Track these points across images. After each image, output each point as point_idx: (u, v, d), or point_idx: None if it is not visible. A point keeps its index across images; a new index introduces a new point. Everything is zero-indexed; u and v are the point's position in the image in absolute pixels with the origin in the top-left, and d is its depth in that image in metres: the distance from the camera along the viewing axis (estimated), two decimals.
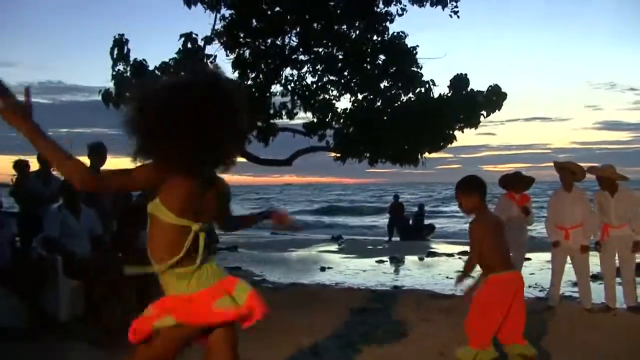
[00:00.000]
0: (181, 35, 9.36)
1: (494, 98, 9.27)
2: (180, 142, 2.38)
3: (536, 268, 10.84)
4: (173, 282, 2.62)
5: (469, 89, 9.43)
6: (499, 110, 9.35)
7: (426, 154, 9.82)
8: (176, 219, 2.52)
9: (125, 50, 9.21)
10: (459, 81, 9.43)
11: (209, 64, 2.56)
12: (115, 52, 9.19)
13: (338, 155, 10.30)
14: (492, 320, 4.03)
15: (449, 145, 9.97)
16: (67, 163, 2.35)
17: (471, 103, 9.24)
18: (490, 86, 9.36)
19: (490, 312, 4.04)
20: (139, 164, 2.48)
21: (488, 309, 4.04)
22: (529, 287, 8.95)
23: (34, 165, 8.46)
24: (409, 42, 10.36)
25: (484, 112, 9.36)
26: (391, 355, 5.15)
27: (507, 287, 4.07)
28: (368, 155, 9.61)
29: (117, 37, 9.22)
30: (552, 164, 7.37)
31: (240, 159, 9.81)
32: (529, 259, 11.21)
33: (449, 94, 9.55)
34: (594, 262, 7.49)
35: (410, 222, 21.44)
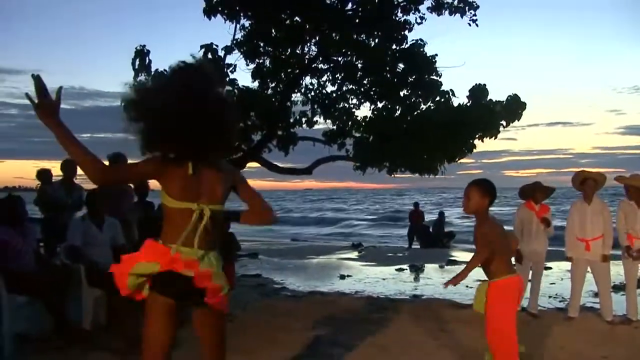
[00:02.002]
0: (201, 47, 9.45)
1: (513, 108, 9.22)
2: (180, 137, 2.70)
3: (557, 278, 10.75)
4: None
5: (487, 99, 9.39)
6: (518, 120, 9.29)
7: (445, 164, 9.79)
8: (176, 202, 2.81)
9: (147, 61, 9.31)
10: (478, 91, 9.39)
11: (194, 64, 2.69)
12: (137, 63, 9.29)
13: (357, 164, 10.32)
14: (511, 326, 4.06)
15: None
16: (84, 157, 2.67)
17: (490, 113, 9.20)
18: (510, 96, 9.30)
19: (504, 318, 4.07)
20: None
21: (502, 315, 4.07)
22: (549, 297, 8.90)
23: (56, 170, 8.57)
24: (428, 50, 10.37)
25: (504, 122, 9.31)
26: None
27: (513, 291, 4.12)
28: (387, 164, 9.61)
29: (138, 48, 9.32)
30: (574, 170, 7.33)
31: (260, 167, 9.88)
32: (549, 268, 11.16)
33: (468, 104, 9.52)
34: (619, 272, 7.41)
35: (431, 229, 21.35)
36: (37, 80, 2.64)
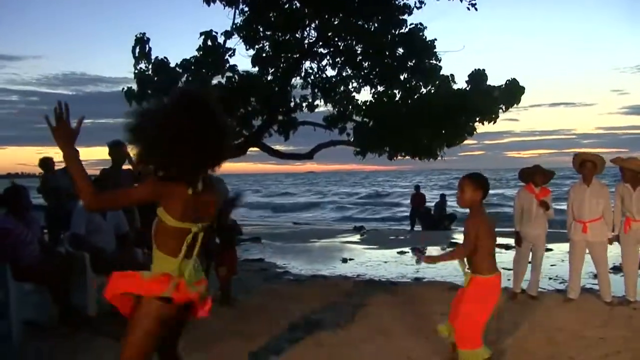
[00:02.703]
0: (201, 34, 9.49)
1: (512, 92, 9.25)
2: (177, 155, 2.74)
3: (557, 260, 10.80)
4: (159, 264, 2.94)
5: (486, 84, 9.42)
6: (517, 104, 9.34)
7: (445, 148, 9.84)
8: (178, 223, 2.87)
9: (147, 48, 9.35)
10: (477, 76, 9.43)
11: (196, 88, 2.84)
12: (137, 50, 9.33)
13: (357, 150, 10.38)
14: (481, 321, 4.18)
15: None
16: (85, 183, 2.77)
17: (489, 98, 9.24)
18: (508, 80, 9.33)
19: (478, 314, 4.17)
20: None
21: (477, 311, 4.18)
22: (550, 279, 8.97)
23: (59, 156, 8.63)
24: (428, 35, 10.38)
25: (502, 106, 9.35)
26: (406, 349, 5.22)
27: (494, 289, 4.22)
28: (387, 149, 9.66)
29: (138, 36, 9.36)
30: (576, 150, 7.33)
31: (262, 152, 9.95)
32: (550, 249, 11.20)
33: (467, 89, 9.54)
34: (617, 253, 7.45)
35: (432, 212, 21.41)
36: (60, 106, 2.78)
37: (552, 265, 10.20)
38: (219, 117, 2.88)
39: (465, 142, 10.14)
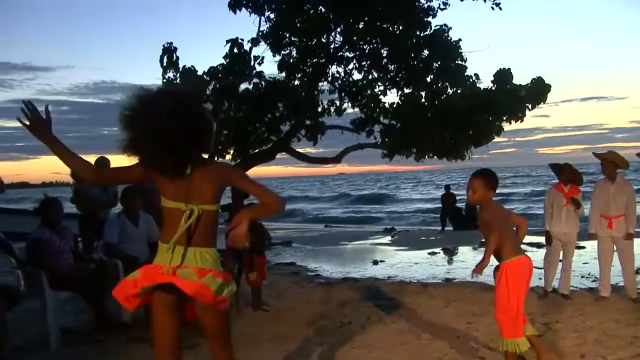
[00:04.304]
0: (227, 41, 9.60)
1: (538, 90, 9.20)
2: (152, 157, 2.88)
3: (590, 257, 10.67)
4: (161, 254, 3.02)
5: (512, 83, 9.36)
6: (543, 102, 9.26)
7: (472, 148, 9.80)
8: (168, 202, 2.98)
9: (174, 57, 9.49)
10: (503, 75, 9.39)
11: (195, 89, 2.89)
12: (165, 60, 9.47)
13: (385, 152, 10.40)
14: (514, 306, 4.26)
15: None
16: (76, 161, 2.99)
17: (515, 97, 9.19)
18: (534, 79, 9.27)
19: (513, 299, 4.26)
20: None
21: (510, 297, 4.26)
22: (582, 277, 8.88)
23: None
24: (453, 35, 10.38)
25: (529, 105, 9.30)
26: (437, 351, 5.21)
27: (522, 271, 4.32)
28: (415, 150, 9.65)
29: (166, 45, 9.50)
30: (608, 145, 7.31)
31: (291, 157, 10.04)
32: (582, 247, 11.09)
33: (493, 88, 9.51)
34: None
35: (463, 211, 21.24)
36: (26, 105, 2.92)
37: (584, 264, 10.11)
38: (194, 117, 2.92)
39: (496, 139, 10.10)
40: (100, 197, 8.40)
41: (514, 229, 4.55)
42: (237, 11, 9.91)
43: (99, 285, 5.85)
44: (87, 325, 5.91)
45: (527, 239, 14.56)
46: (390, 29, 10.46)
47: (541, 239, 9.29)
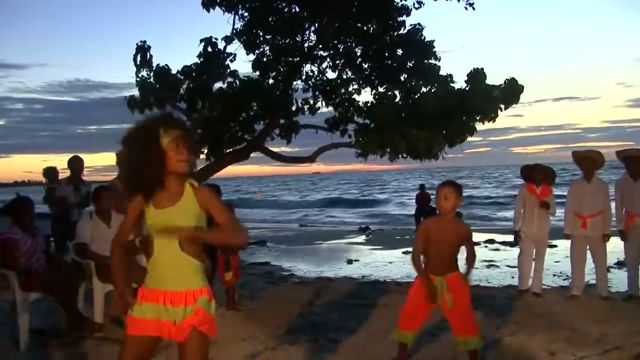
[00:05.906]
0: (201, 40, 9.54)
1: (511, 91, 9.27)
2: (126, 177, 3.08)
3: (562, 256, 10.78)
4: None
5: (485, 83, 9.42)
6: (516, 103, 9.36)
7: (446, 148, 9.82)
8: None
9: (148, 56, 9.40)
10: (476, 75, 9.43)
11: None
12: (139, 58, 9.38)
13: (359, 152, 10.40)
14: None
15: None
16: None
17: (489, 97, 9.25)
18: (507, 80, 9.34)
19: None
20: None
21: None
22: (554, 275, 8.99)
23: (63, 164, 8.70)
24: (427, 35, 10.43)
25: (502, 106, 9.36)
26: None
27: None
28: (388, 150, 9.65)
29: (139, 44, 9.41)
30: (582, 145, 7.40)
31: (266, 157, 10.00)
32: (554, 245, 11.23)
33: (467, 88, 9.56)
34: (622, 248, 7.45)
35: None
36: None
37: (556, 262, 10.23)
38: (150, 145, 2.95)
39: (470, 139, 10.13)
40: (72, 197, 8.31)
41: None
42: (211, 9, 9.86)
43: (71, 285, 5.79)
44: (58, 326, 5.83)
45: (501, 237, 14.74)
46: (365, 28, 10.49)
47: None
